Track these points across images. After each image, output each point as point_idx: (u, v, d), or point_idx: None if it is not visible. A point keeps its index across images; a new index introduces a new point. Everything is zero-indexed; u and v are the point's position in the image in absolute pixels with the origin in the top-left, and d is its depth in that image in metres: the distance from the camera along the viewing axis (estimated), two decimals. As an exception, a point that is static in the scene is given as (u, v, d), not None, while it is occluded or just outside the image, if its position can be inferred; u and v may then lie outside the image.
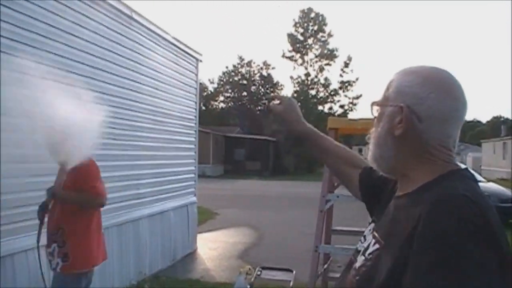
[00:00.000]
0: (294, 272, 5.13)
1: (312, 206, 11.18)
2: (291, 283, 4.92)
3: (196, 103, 8.89)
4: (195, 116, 8.85)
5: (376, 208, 1.47)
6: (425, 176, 1.23)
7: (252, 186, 24.52)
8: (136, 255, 6.62)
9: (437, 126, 1.23)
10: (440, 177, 1.22)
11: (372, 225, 1.42)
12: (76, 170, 3.54)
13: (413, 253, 1.06)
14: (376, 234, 1.32)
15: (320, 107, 46.78)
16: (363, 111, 48.86)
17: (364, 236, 1.41)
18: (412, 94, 1.24)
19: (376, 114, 1.34)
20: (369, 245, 1.33)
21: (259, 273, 5.21)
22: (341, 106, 46.89)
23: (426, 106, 1.22)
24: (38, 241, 3.70)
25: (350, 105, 46.78)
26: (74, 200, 3.65)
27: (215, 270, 7.63)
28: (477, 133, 69.10)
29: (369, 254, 1.29)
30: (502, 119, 74.71)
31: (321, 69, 46.67)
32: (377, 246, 1.28)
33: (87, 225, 3.69)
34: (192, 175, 8.91)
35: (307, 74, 46.91)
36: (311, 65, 46.98)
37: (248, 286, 5.03)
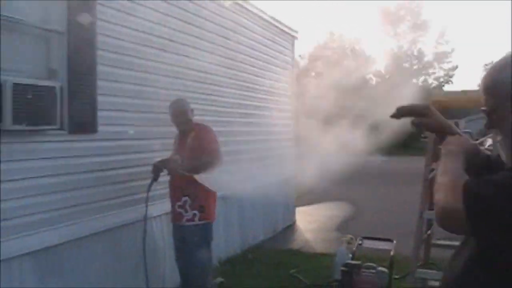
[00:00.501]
0: (394, 241, 5.28)
1: (409, 182, 11.14)
2: (392, 252, 5.08)
3: (292, 80, 9.10)
4: (292, 92, 9.06)
5: None
6: None
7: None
8: (240, 226, 6.99)
9: None
10: None
11: None
12: (203, 130, 4.24)
13: None
14: None
15: (414, 80, 45.42)
16: (459, 83, 46.84)
17: None
18: None
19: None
20: None
21: (360, 242, 5.42)
22: (436, 79, 45.30)
23: None
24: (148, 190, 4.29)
25: (446, 77, 45.08)
26: (195, 167, 4.11)
27: (314, 241, 7.88)
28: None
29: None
30: None
31: (415, 40, 45.22)
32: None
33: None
34: (290, 150, 9.15)
35: (400, 46, 45.63)
36: (404, 37, 45.63)
37: (350, 255, 5.26)
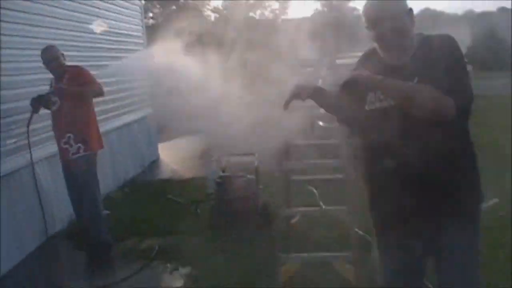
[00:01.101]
0: (256, 155, 6.04)
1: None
2: (256, 163, 5.83)
3: (142, 21, 9.34)
4: (142, 33, 9.33)
5: None
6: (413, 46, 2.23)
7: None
8: (112, 164, 7.31)
9: None
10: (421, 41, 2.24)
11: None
12: (75, 72, 4.64)
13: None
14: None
15: (251, 14, 46.77)
16: (293, 14, 49.08)
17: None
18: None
19: None
20: None
21: (228, 159, 6.10)
22: (272, 11, 47.03)
23: None
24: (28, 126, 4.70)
25: (281, 9, 46.96)
26: (80, 92, 4.60)
27: (181, 170, 8.45)
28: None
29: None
30: (429, 11, 76.45)
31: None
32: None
33: (91, 115, 4.80)
34: (147, 89, 9.49)
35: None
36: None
37: (220, 171, 5.93)
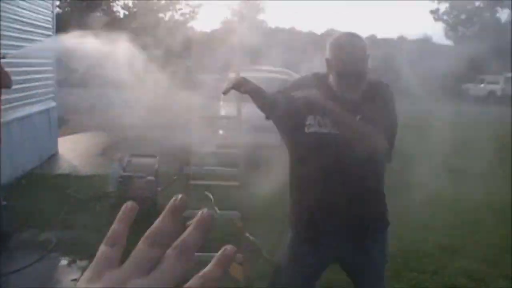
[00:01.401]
0: (157, 157, 6.32)
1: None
2: (156, 166, 6.11)
3: (52, 11, 9.26)
4: (52, 25, 9.25)
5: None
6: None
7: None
8: (9, 155, 7.23)
9: None
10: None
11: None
12: None
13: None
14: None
15: (161, 15, 46.45)
16: (203, 21, 49.35)
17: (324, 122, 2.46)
18: None
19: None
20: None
21: (129, 159, 6.32)
22: (182, 15, 47.03)
23: None
24: None
25: (192, 14, 47.12)
26: None
27: (81, 166, 8.51)
28: (313, 45, 73.00)
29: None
30: (334, 32, 79.29)
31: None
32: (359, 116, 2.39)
33: None
34: (51, 82, 9.42)
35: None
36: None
37: (122, 171, 6.14)
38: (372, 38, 68.79)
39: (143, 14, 39.81)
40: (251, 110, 6.94)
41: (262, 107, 2.56)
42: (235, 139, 5.22)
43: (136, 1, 43.99)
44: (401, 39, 60.63)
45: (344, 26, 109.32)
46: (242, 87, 2.48)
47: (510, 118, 19.61)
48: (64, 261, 4.60)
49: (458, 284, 4.53)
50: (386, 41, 51.49)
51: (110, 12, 48.15)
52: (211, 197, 5.61)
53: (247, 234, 4.89)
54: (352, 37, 2.53)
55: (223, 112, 8.34)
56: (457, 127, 15.96)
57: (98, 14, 47.31)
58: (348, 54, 2.47)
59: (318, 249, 2.58)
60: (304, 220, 2.60)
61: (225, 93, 2.52)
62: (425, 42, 51.72)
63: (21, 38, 7.82)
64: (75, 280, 4.22)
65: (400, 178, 8.03)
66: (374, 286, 2.69)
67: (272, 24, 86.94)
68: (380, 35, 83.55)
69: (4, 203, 5.55)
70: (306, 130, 2.49)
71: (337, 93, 2.51)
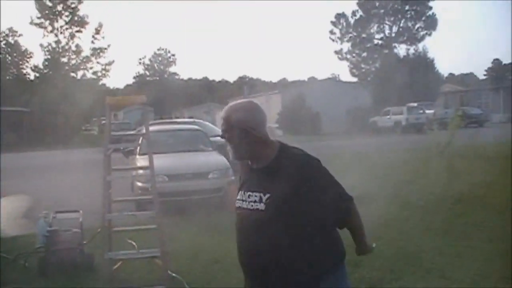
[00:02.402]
0: (81, 211, 6.76)
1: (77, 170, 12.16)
2: (80, 219, 6.55)
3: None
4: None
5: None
6: (272, 152, 2.52)
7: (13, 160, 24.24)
8: None
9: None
10: (280, 149, 2.53)
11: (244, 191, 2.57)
12: None
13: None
14: (257, 190, 2.48)
15: (72, 74, 46.36)
16: (115, 77, 49.55)
17: (245, 197, 2.54)
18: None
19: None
20: (259, 197, 2.46)
21: (54, 215, 6.74)
22: (94, 73, 47.15)
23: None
24: None
25: (103, 72, 47.33)
26: None
27: (5, 227, 8.65)
28: (226, 93, 74.01)
29: (267, 199, 2.42)
30: (246, 79, 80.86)
31: (72, 36, 46.14)
32: (268, 194, 2.42)
33: None
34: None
35: (58, 42, 45.94)
36: (61, 32, 46.08)
37: (48, 227, 6.54)
38: (284, 82, 71.48)
39: (56, 75, 39.78)
40: (165, 161, 7.46)
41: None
42: (150, 188, 5.71)
43: (46, 63, 43.75)
44: (312, 79, 63.44)
45: (256, 72, 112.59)
46: None
47: (411, 145, 21.29)
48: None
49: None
50: (297, 83, 53.88)
51: (20, 75, 47.54)
52: (134, 244, 6.12)
53: (169, 272, 5.44)
54: (229, 105, 2.64)
55: (139, 164, 8.87)
56: (363, 157, 17.22)
57: (8, 77, 46.69)
58: (221, 119, 2.65)
59: None
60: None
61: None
62: (333, 81, 54.49)
63: None
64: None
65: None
66: None
67: (184, 75, 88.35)
68: (291, 77, 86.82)
69: None
70: (236, 205, 2.63)
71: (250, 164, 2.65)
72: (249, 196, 2.54)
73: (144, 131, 6.66)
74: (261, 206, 2.46)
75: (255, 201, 2.50)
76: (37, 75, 45.45)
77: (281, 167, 2.47)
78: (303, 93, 42.62)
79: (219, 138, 2.95)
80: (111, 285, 4.85)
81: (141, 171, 8.56)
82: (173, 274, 5.50)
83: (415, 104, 38.42)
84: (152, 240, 5.72)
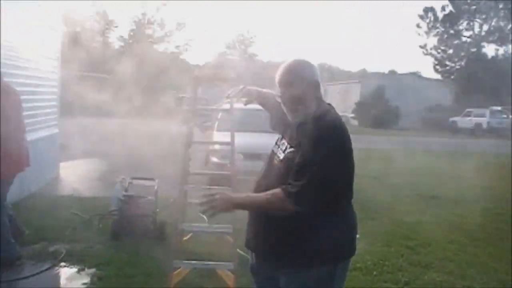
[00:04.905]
0: (156, 180, 6.83)
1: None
2: (156, 187, 6.62)
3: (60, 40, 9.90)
4: (57, 57, 9.87)
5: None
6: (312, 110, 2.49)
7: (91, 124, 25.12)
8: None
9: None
10: (321, 110, 2.49)
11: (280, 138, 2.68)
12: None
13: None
14: (288, 141, 2.53)
15: (155, 46, 47.43)
16: (196, 54, 50.31)
17: (280, 142, 2.64)
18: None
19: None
20: (286, 147, 2.52)
21: (131, 181, 6.84)
22: (176, 47, 48.06)
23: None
24: None
25: (185, 46, 48.18)
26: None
27: (82, 189, 8.97)
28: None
29: (287, 153, 2.47)
30: (325, 66, 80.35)
31: (158, 9, 47.21)
32: (291, 148, 2.46)
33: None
34: (55, 110, 9.99)
35: (144, 14, 47.12)
36: (147, 5, 47.24)
37: (123, 191, 6.65)
38: (363, 72, 70.04)
39: (138, 46, 40.75)
40: (242, 140, 7.44)
41: (270, 111, 2.99)
42: (229, 164, 5.68)
43: (131, 33, 44.88)
44: (392, 72, 61.83)
45: (335, 60, 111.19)
46: (252, 95, 2.97)
47: (492, 148, 20.38)
48: (74, 269, 5.08)
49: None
50: (376, 75, 52.61)
51: (105, 43, 49.19)
52: (205, 217, 6.12)
53: (238, 250, 5.39)
54: (290, 61, 2.64)
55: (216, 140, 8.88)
56: (443, 158, 16.66)
57: (94, 45, 48.40)
58: (277, 76, 2.64)
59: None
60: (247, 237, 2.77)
61: (230, 96, 3.04)
62: (415, 76, 52.89)
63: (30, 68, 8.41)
64: (86, 284, 4.73)
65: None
66: None
67: (264, 57, 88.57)
68: (370, 69, 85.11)
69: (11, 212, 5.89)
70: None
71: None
72: (283, 143, 2.62)
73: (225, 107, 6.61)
74: (281, 156, 2.54)
75: (281, 149, 2.59)
76: (122, 44, 46.81)
77: (305, 126, 2.43)
78: (383, 85, 41.68)
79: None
80: (180, 256, 4.83)
81: (217, 147, 8.57)
82: (241, 252, 5.44)
83: (499, 108, 36.73)
84: (223, 216, 5.66)
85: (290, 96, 2.56)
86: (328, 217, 2.42)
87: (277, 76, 2.62)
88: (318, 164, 2.30)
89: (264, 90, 3.04)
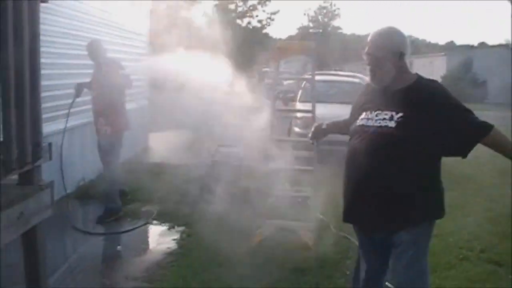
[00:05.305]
0: (242, 147, 7.11)
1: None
2: (241, 154, 6.91)
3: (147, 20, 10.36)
4: (145, 32, 10.36)
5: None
6: (410, 78, 2.66)
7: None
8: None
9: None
10: (418, 77, 2.68)
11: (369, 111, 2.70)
12: (113, 65, 5.71)
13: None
14: (388, 109, 2.59)
15: (238, 21, 47.73)
16: (279, 27, 50.08)
17: (372, 115, 2.66)
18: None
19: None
20: (390, 115, 2.56)
21: (217, 148, 7.17)
22: (259, 21, 48.08)
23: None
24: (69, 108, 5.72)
25: (268, 20, 48.09)
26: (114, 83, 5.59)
27: (172, 157, 9.37)
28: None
29: (398, 118, 2.52)
30: (411, 38, 77.52)
31: (240, -17, 47.31)
32: (400, 114, 2.53)
33: (119, 103, 5.90)
34: (145, 83, 10.52)
35: (226, -12, 47.41)
36: (229, -21, 47.42)
37: (211, 157, 6.97)
38: (451, 45, 67.09)
39: (221, 20, 41.32)
40: (323, 110, 7.52)
41: (340, 133, 3.20)
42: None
43: (215, 8, 45.40)
44: (482, 45, 58.72)
45: (422, 33, 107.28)
46: (321, 133, 3.29)
47: None
48: (164, 227, 5.50)
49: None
50: (465, 47, 50.38)
51: (188, 19, 50.07)
52: (287, 182, 6.30)
53: (317, 213, 5.58)
54: (380, 29, 2.72)
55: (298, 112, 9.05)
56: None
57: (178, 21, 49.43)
58: (368, 42, 2.70)
59: (364, 235, 2.91)
60: (346, 206, 2.83)
61: (312, 142, 3.37)
62: (505, 48, 50.06)
63: (127, 44, 8.91)
64: (175, 239, 5.12)
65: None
66: (398, 271, 2.72)
67: (347, 30, 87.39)
68: (459, 41, 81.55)
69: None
70: (358, 124, 2.76)
71: (374, 87, 2.77)
72: (377, 114, 2.65)
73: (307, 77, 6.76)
74: (392, 124, 2.56)
75: (384, 119, 2.60)
76: (205, 19, 47.44)
77: (417, 92, 2.59)
78: (470, 58, 39.85)
79: None
80: (260, 216, 5.11)
81: (299, 114, 8.70)
82: (321, 216, 5.63)
83: None
84: (305, 181, 5.85)
85: (377, 60, 2.65)
86: (431, 179, 2.67)
87: (368, 41, 2.70)
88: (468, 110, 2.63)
89: (334, 120, 3.34)
